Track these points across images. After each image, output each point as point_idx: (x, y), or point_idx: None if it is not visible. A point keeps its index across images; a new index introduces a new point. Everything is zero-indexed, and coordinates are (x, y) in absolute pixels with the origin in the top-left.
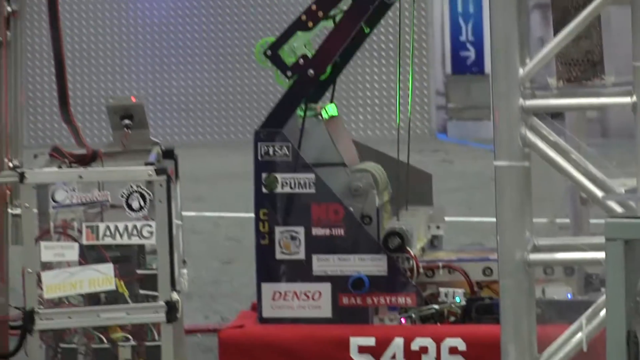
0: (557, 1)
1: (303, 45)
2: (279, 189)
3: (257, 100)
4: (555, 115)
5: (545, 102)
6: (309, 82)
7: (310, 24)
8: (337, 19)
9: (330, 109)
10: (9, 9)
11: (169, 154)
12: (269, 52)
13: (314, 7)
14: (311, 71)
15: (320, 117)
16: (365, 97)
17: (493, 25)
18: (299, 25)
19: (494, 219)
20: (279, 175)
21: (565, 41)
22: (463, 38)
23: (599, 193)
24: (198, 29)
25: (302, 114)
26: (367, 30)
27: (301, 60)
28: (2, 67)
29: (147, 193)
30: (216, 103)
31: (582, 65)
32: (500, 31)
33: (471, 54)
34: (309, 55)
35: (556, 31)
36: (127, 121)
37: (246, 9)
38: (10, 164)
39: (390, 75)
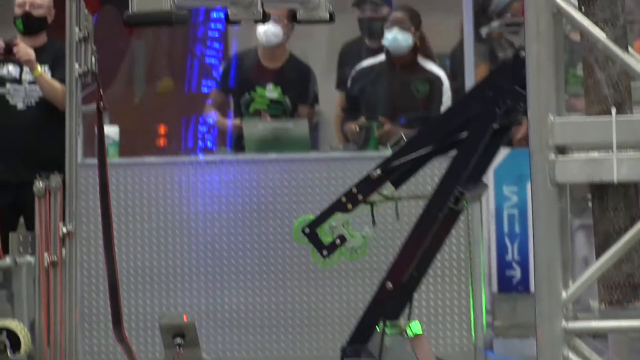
0: (599, 225)
1: (341, 225)
2: None
3: (308, 317)
4: (597, 335)
5: (588, 325)
6: (388, 296)
7: (349, 206)
8: (377, 204)
9: (414, 327)
10: (64, 229)
11: None
12: (307, 230)
13: (354, 190)
14: (389, 284)
15: (405, 334)
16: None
17: (537, 249)
18: (338, 206)
19: None
20: None
21: (606, 265)
22: (509, 257)
23: None
24: (250, 247)
25: (387, 330)
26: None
27: (338, 241)
28: (58, 285)
29: None
30: (267, 319)
31: (623, 289)
32: (543, 255)
33: (517, 273)
34: (347, 236)
35: (598, 254)
36: (179, 340)
37: (289, 220)
38: None
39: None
